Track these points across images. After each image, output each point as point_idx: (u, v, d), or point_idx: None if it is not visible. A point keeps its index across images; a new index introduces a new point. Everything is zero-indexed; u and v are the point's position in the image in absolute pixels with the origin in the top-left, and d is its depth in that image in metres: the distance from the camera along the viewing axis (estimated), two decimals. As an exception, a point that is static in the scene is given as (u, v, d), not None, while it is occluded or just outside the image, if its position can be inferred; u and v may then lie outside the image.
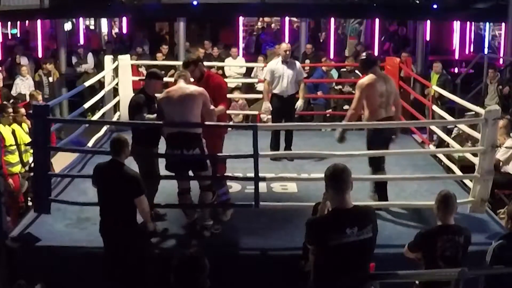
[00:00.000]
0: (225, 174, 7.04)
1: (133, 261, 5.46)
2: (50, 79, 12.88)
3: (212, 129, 6.46)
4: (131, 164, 5.92)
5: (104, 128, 9.71)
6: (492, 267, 4.67)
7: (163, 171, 6.48)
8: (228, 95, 8.96)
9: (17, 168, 8.09)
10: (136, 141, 6.47)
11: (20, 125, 8.31)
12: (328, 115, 12.06)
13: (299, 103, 8.89)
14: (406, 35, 17.86)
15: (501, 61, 15.28)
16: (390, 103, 6.94)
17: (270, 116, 9.04)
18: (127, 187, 5.43)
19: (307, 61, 13.23)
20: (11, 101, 10.44)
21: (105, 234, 5.57)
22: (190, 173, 6.38)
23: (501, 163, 8.17)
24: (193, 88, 6.25)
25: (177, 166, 6.30)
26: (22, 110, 8.35)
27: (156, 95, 6.64)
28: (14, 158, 8.04)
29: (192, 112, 6.11)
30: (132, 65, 10.77)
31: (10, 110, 8.19)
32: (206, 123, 6.25)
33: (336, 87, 12.35)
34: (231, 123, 7.91)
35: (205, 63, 11.90)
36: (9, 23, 17.88)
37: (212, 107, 6.32)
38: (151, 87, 6.60)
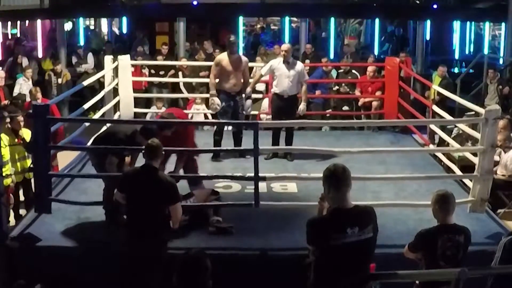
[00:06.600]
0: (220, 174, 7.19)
1: (157, 270, 5.27)
2: (60, 80, 12.83)
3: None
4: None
5: (104, 127, 9.69)
6: (492, 267, 4.68)
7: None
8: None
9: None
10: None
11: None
12: (327, 114, 12.07)
13: (301, 107, 8.80)
14: (404, 36, 17.83)
15: (501, 61, 15.27)
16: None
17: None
18: (163, 194, 5.27)
19: (307, 61, 13.21)
20: (10, 101, 10.37)
21: (132, 240, 5.38)
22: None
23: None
24: None
25: None
26: (20, 118, 8.19)
27: None
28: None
29: None
30: (135, 65, 10.73)
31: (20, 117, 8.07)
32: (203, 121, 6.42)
33: (333, 88, 12.36)
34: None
35: (206, 63, 12.00)
36: (9, 23, 17.87)
37: None
38: (140, 142, 6.23)
